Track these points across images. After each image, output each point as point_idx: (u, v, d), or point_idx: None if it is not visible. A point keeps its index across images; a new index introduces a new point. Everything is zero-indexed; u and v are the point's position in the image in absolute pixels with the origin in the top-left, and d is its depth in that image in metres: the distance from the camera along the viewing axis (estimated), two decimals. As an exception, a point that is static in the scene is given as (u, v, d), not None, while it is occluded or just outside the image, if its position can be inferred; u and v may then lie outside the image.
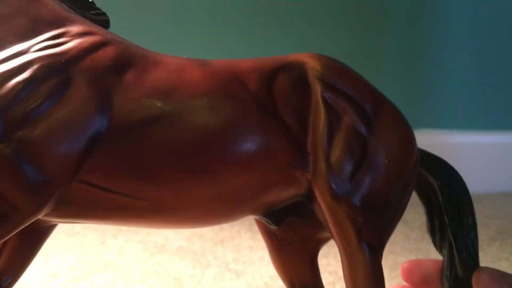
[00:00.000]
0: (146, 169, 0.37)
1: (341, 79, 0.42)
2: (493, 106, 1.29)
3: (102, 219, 0.39)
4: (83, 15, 0.41)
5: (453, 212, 0.44)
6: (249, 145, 0.38)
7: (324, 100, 0.40)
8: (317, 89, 0.40)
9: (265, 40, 1.15)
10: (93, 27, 0.41)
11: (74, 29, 0.39)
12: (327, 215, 0.40)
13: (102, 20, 0.42)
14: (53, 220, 0.39)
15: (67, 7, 0.41)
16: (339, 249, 0.41)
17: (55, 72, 0.36)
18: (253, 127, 0.39)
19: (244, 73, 0.40)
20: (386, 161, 0.40)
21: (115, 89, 0.37)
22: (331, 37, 1.17)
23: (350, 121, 0.40)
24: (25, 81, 0.35)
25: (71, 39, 0.38)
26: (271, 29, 1.15)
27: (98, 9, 0.43)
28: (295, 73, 0.41)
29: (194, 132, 0.37)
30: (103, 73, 0.37)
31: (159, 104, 0.37)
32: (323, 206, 0.40)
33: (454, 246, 0.44)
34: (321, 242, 0.47)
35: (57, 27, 0.39)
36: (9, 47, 0.37)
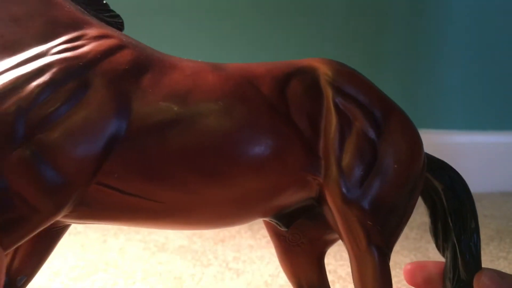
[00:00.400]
0: (161, 171, 0.37)
1: (352, 85, 0.42)
2: (492, 106, 1.30)
3: (117, 220, 0.39)
4: (98, 17, 0.42)
5: (457, 216, 0.45)
6: (262, 148, 0.39)
7: (336, 105, 0.41)
8: (328, 94, 0.41)
9: (265, 39, 1.15)
10: (109, 30, 0.41)
11: (91, 31, 0.39)
12: (337, 219, 0.41)
13: (117, 23, 0.43)
14: (70, 221, 0.39)
15: (82, 9, 0.41)
16: (348, 252, 0.41)
17: (73, 75, 0.36)
18: (266, 130, 0.39)
19: (257, 77, 0.41)
20: (395, 166, 0.41)
21: (133, 92, 0.37)
22: (331, 37, 1.18)
23: (360, 126, 0.41)
24: (44, 84, 0.35)
25: (88, 42, 0.39)
26: (271, 29, 1.15)
27: (112, 11, 0.43)
28: (307, 77, 0.42)
29: (209, 135, 0.38)
30: (121, 76, 0.37)
31: (175, 108, 0.37)
32: (334, 209, 0.41)
33: (457, 249, 0.44)
34: (328, 243, 0.47)
35: (74, 29, 0.39)
36: (27, 49, 0.37)
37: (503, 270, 0.73)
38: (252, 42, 1.14)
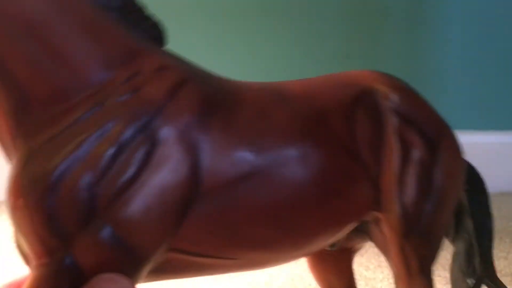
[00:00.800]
0: (238, 230, 0.34)
1: (411, 108, 0.41)
2: (492, 106, 1.30)
3: (188, 277, 0.37)
4: (140, 28, 0.35)
5: (479, 218, 0.46)
6: (337, 194, 0.37)
7: (396, 133, 0.39)
8: (390, 122, 0.39)
9: (264, 40, 1.15)
10: (163, 57, 0.35)
11: (147, 63, 0.34)
12: (393, 248, 0.41)
13: (158, 33, 0.36)
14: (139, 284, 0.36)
15: (126, 27, 0.35)
16: (398, 274, 0.41)
17: (140, 128, 0.31)
18: (341, 175, 0.37)
19: (324, 109, 0.38)
20: (448, 192, 0.41)
21: (203, 142, 0.33)
22: (330, 37, 1.18)
23: (419, 154, 0.40)
24: (111, 145, 0.30)
25: (148, 79, 0.33)
26: (270, 29, 1.15)
27: (152, 18, 0.36)
28: (370, 105, 0.39)
29: (286, 188, 0.35)
30: (190, 124, 0.33)
31: (250, 158, 0.34)
32: (391, 240, 0.40)
33: (477, 249, 0.45)
34: (356, 251, 0.48)
35: (129, 63, 0.33)
36: (82, 96, 0.31)
37: (503, 270, 0.73)
38: (250, 42, 1.14)
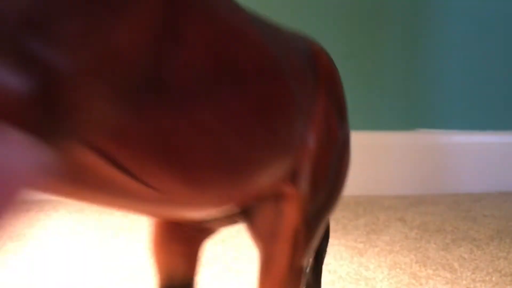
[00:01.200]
0: (175, 152, 0.27)
1: (335, 85, 0.39)
2: (492, 106, 1.30)
3: (97, 201, 0.29)
4: None
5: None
6: (276, 135, 0.33)
7: (325, 110, 0.38)
8: (322, 92, 0.38)
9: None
10: None
11: None
12: (286, 232, 0.37)
13: None
14: (48, 193, 0.27)
15: None
16: (272, 266, 0.38)
17: None
18: (297, 116, 0.34)
19: (288, 54, 0.34)
20: (341, 188, 0.39)
21: (183, 14, 0.25)
22: (331, 37, 1.18)
23: (336, 135, 0.38)
24: None
25: None
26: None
27: None
28: (321, 66, 0.38)
29: (234, 109, 0.29)
30: None
31: (218, 65, 0.27)
32: (289, 222, 0.37)
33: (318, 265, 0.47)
34: (210, 234, 0.43)
35: None
36: None
37: (503, 270, 0.73)
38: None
